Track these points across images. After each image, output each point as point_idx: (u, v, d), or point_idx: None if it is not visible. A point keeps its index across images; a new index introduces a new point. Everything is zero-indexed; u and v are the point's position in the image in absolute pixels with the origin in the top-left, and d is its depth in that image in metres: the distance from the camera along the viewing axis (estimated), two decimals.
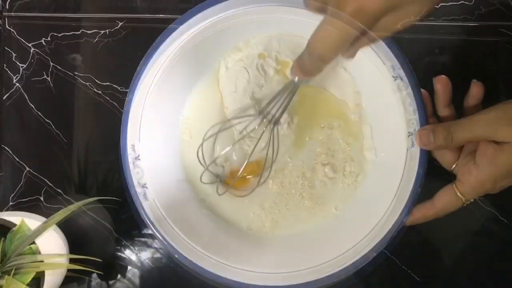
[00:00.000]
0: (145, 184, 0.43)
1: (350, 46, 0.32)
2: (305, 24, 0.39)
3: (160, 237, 0.42)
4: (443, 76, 0.39)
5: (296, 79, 0.37)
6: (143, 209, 0.42)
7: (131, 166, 0.42)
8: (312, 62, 0.33)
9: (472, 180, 0.37)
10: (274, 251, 0.44)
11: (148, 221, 0.42)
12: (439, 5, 0.44)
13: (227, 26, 0.43)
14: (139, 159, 0.43)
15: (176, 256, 0.42)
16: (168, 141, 0.46)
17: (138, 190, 0.42)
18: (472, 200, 0.38)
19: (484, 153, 0.36)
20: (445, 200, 0.38)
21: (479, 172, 0.36)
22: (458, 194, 0.38)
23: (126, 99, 0.43)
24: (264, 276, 0.41)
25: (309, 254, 0.42)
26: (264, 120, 0.43)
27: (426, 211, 0.40)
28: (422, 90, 0.41)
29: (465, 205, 0.38)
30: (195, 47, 0.43)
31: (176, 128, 0.47)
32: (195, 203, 0.46)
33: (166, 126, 0.45)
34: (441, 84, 0.39)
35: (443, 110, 0.40)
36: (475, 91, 0.39)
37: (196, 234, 0.43)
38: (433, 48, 0.48)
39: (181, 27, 0.42)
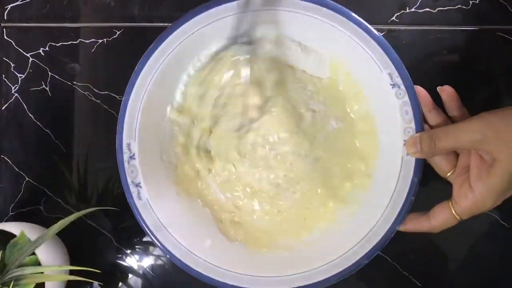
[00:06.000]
0: (139, 184, 0.43)
1: None
2: None
3: (157, 242, 0.42)
4: (447, 86, 0.40)
5: None
6: (136, 209, 0.42)
7: (125, 165, 0.43)
8: None
9: (468, 204, 0.37)
10: (272, 256, 0.44)
11: (142, 223, 0.42)
12: None
13: (216, 32, 0.43)
14: (134, 158, 0.43)
15: (172, 259, 0.42)
16: (163, 141, 0.46)
17: (132, 189, 0.43)
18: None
19: (479, 177, 0.36)
20: (440, 219, 0.38)
21: (475, 196, 0.36)
22: (454, 213, 0.38)
23: (123, 99, 0.43)
24: (260, 280, 0.42)
25: (300, 260, 0.42)
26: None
27: (420, 225, 0.40)
28: (418, 87, 0.41)
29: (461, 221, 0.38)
30: (187, 49, 0.43)
31: (170, 127, 0.46)
32: (190, 204, 0.46)
33: (160, 126, 0.45)
34: (447, 94, 0.40)
35: (455, 113, 0.40)
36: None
37: (192, 238, 0.43)
38: (432, 53, 0.48)
39: (176, 32, 0.42)
